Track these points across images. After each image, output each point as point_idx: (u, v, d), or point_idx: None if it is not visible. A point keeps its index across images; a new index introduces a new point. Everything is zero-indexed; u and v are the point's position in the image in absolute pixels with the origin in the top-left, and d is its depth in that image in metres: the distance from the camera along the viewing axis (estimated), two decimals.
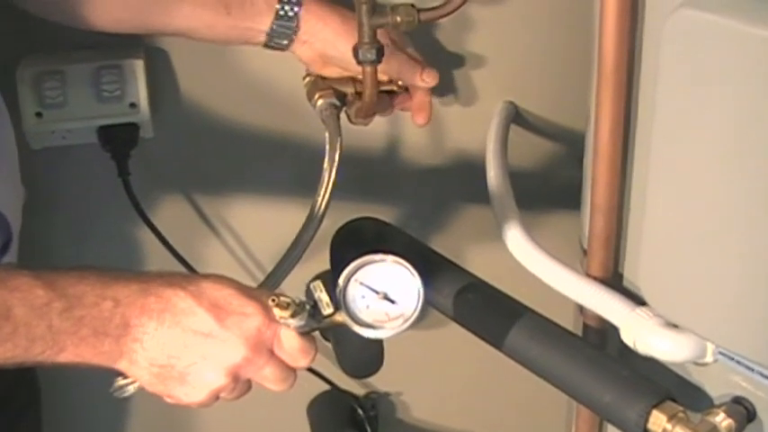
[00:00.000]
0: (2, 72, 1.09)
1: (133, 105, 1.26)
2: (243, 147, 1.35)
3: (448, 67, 1.34)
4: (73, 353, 0.86)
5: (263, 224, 1.40)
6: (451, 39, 1.32)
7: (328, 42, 1.14)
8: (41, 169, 1.29)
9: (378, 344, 1.25)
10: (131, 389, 0.92)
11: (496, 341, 1.08)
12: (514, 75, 1.36)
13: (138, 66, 1.25)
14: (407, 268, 0.92)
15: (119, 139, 1.28)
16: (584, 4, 1.09)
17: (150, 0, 1.11)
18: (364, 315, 0.92)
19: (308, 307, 0.91)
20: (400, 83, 1.20)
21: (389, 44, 1.14)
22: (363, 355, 1.33)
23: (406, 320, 0.92)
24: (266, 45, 1.15)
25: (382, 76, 1.14)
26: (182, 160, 1.36)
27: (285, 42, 1.14)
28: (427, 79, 1.19)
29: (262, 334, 0.89)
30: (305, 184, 1.16)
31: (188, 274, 1.10)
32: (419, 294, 0.92)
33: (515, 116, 1.37)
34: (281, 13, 1.12)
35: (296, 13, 1.13)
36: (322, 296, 0.92)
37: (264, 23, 1.13)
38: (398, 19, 1.07)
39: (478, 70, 1.35)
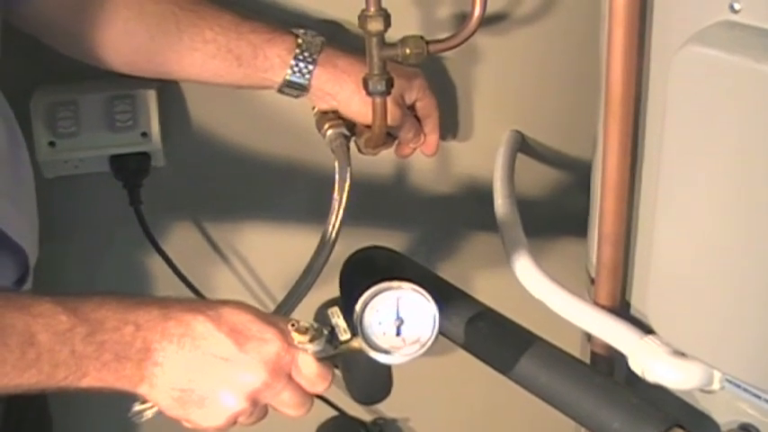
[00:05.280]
0: (16, 102, 1.10)
1: (145, 135, 1.26)
2: (254, 175, 1.36)
3: (456, 97, 1.35)
4: (95, 378, 0.86)
5: (274, 252, 1.41)
6: (459, 68, 1.33)
7: (343, 103, 1.15)
8: (54, 198, 1.30)
9: (386, 370, 1.26)
10: (149, 413, 0.92)
11: (506, 369, 1.09)
12: (521, 104, 1.37)
13: (150, 95, 1.25)
14: (423, 295, 0.93)
15: (131, 168, 1.28)
16: (590, 34, 1.10)
17: (163, 48, 1.11)
18: (380, 341, 0.93)
19: (325, 332, 0.91)
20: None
21: (406, 108, 1.18)
22: (372, 382, 1.33)
23: (422, 346, 0.93)
24: (279, 91, 1.15)
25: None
26: (193, 189, 1.37)
27: (296, 94, 1.15)
28: (425, 150, 1.23)
29: (280, 359, 0.90)
30: (315, 211, 1.16)
31: (207, 300, 1.11)
32: (434, 321, 0.93)
33: (522, 145, 1.38)
34: (295, 69, 1.12)
35: (310, 71, 1.12)
36: (339, 322, 0.92)
37: (277, 76, 1.13)
38: (408, 51, 1.07)
39: (486, 99, 1.36)
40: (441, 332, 1.13)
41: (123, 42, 1.11)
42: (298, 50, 1.12)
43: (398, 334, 0.93)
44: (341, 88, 1.14)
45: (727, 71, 0.85)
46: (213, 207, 1.40)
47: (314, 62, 1.12)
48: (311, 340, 0.90)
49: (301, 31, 1.14)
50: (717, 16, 0.87)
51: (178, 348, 0.88)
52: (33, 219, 1.08)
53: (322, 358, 0.92)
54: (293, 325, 0.89)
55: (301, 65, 1.12)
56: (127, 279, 1.40)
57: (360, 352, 0.93)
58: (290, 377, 0.91)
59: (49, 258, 1.13)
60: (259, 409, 0.92)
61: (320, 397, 1.44)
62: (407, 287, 0.93)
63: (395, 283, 0.93)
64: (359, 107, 1.13)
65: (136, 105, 1.26)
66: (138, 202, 1.30)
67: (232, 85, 1.16)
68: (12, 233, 0.99)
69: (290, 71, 1.12)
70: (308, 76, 1.12)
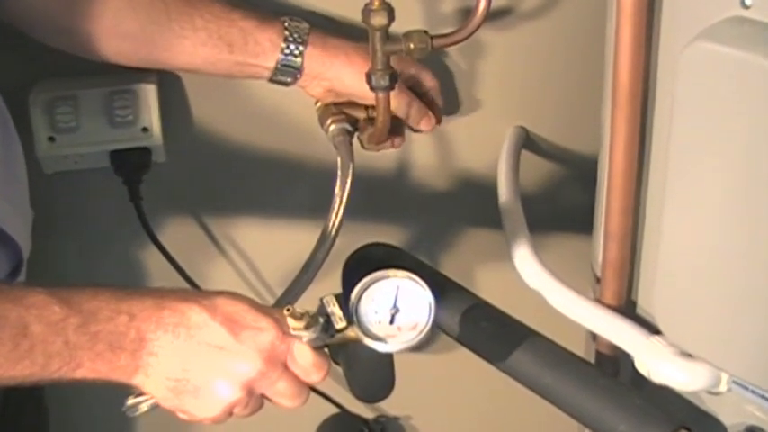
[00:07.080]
0: (15, 97, 1.09)
1: (145, 130, 1.26)
2: (255, 171, 1.36)
3: (459, 92, 1.35)
4: (89, 368, 0.86)
5: (274, 248, 1.40)
6: (463, 63, 1.33)
7: (336, 79, 1.14)
8: (54, 194, 1.30)
9: (389, 367, 1.24)
10: (144, 407, 0.92)
11: (508, 368, 1.08)
12: (525, 100, 1.37)
13: (151, 90, 1.25)
14: (418, 283, 0.92)
15: (131, 163, 1.28)
16: (595, 29, 1.10)
17: (152, 36, 1.11)
18: (376, 329, 0.92)
19: (321, 320, 0.91)
20: None
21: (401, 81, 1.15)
22: (374, 379, 1.32)
23: (418, 334, 0.92)
24: (270, 80, 1.15)
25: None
26: (194, 184, 1.37)
27: (289, 80, 1.15)
28: (424, 127, 1.21)
29: (276, 348, 0.90)
30: (316, 207, 1.16)
31: (202, 290, 1.11)
32: (430, 308, 0.92)
33: (526, 141, 1.37)
34: (287, 52, 1.13)
35: (301, 53, 1.13)
36: (335, 310, 0.92)
37: (269, 61, 1.13)
38: (411, 46, 1.06)
39: (490, 95, 1.36)
40: (444, 330, 1.12)
41: (114, 33, 1.11)
42: (287, 33, 1.13)
43: (393, 322, 0.93)
44: (331, 64, 1.14)
45: (737, 68, 0.84)
46: (214, 202, 1.39)
47: (304, 42, 1.13)
48: (306, 327, 0.90)
49: (286, 17, 1.14)
50: (727, 12, 0.87)
51: (173, 338, 0.88)
52: (27, 214, 1.08)
53: (318, 347, 0.92)
54: (288, 310, 0.89)
55: (292, 46, 1.13)
56: (126, 275, 1.40)
57: (355, 340, 0.93)
58: (285, 366, 0.91)
59: (48, 254, 1.12)
60: (254, 400, 0.91)
61: (322, 394, 1.45)
62: (403, 275, 0.93)
63: (390, 272, 0.93)
64: (352, 80, 1.13)
65: (136, 100, 1.25)
66: (138, 198, 1.29)
67: (224, 75, 1.16)
68: (5, 227, 0.99)
69: (281, 55, 1.13)
70: (299, 58, 1.13)
